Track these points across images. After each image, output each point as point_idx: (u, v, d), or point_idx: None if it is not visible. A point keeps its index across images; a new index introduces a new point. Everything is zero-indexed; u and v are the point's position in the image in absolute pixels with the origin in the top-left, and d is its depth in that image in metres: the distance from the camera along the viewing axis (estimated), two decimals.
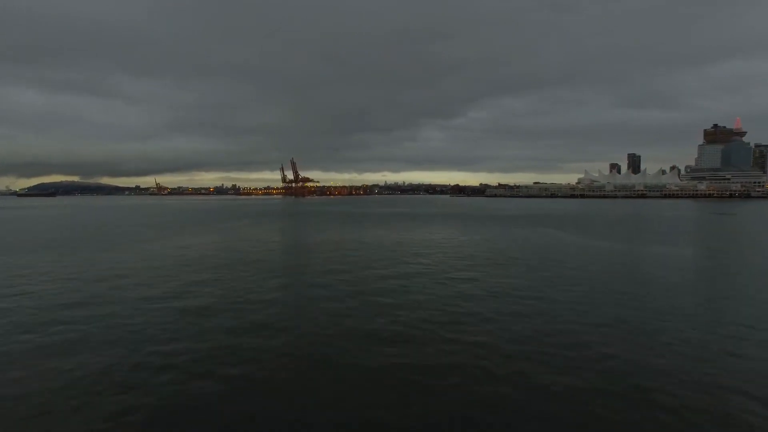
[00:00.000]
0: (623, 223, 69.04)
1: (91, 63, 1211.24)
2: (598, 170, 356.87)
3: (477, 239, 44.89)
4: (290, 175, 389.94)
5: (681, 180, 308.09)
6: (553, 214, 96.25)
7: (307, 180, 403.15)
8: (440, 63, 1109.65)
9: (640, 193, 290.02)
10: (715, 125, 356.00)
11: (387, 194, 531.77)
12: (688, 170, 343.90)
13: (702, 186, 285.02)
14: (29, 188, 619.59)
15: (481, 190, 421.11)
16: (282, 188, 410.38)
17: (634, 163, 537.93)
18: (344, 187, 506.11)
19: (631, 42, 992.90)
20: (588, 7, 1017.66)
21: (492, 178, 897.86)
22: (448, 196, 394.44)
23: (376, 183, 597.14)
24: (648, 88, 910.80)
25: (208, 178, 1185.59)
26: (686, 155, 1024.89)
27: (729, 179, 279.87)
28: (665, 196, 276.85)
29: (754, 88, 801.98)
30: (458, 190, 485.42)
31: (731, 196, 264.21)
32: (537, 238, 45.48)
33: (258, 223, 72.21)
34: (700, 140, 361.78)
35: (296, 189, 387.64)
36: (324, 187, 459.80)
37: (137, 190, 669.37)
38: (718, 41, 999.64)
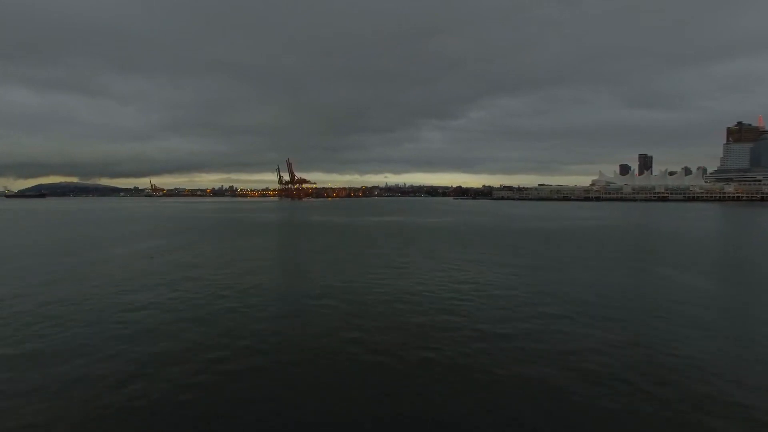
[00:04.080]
0: (752, 248, 47.48)
1: (88, 61, 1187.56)
2: (614, 171, 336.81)
3: (561, 311, 23.38)
4: (287, 177, 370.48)
5: (705, 181, 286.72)
6: (597, 225, 74.26)
7: (304, 181, 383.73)
8: (440, 62, 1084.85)
9: (661, 195, 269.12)
10: (740, 123, 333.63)
11: (387, 196, 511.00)
12: (700, 171, 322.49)
13: (729, 188, 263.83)
14: (25, 189, 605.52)
15: (486, 192, 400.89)
16: (278, 190, 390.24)
17: (646, 163, 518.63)
18: (343, 188, 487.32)
19: (631, 41, 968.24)
20: (588, 5, 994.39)
21: (494, 180, 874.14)
22: (451, 199, 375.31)
23: (376, 185, 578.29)
24: (650, 87, 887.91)
25: (209, 180, 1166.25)
26: (688, 156, 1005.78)
27: (760, 180, 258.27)
28: (688, 199, 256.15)
29: (756, 87, 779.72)
30: (461, 192, 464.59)
31: (763, 199, 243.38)
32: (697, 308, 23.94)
33: (181, 246, 50.61)
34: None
35: (293, 191, 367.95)
36: (322, 188, 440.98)
37: (134, 192, 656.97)
38: (720, 41, 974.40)
